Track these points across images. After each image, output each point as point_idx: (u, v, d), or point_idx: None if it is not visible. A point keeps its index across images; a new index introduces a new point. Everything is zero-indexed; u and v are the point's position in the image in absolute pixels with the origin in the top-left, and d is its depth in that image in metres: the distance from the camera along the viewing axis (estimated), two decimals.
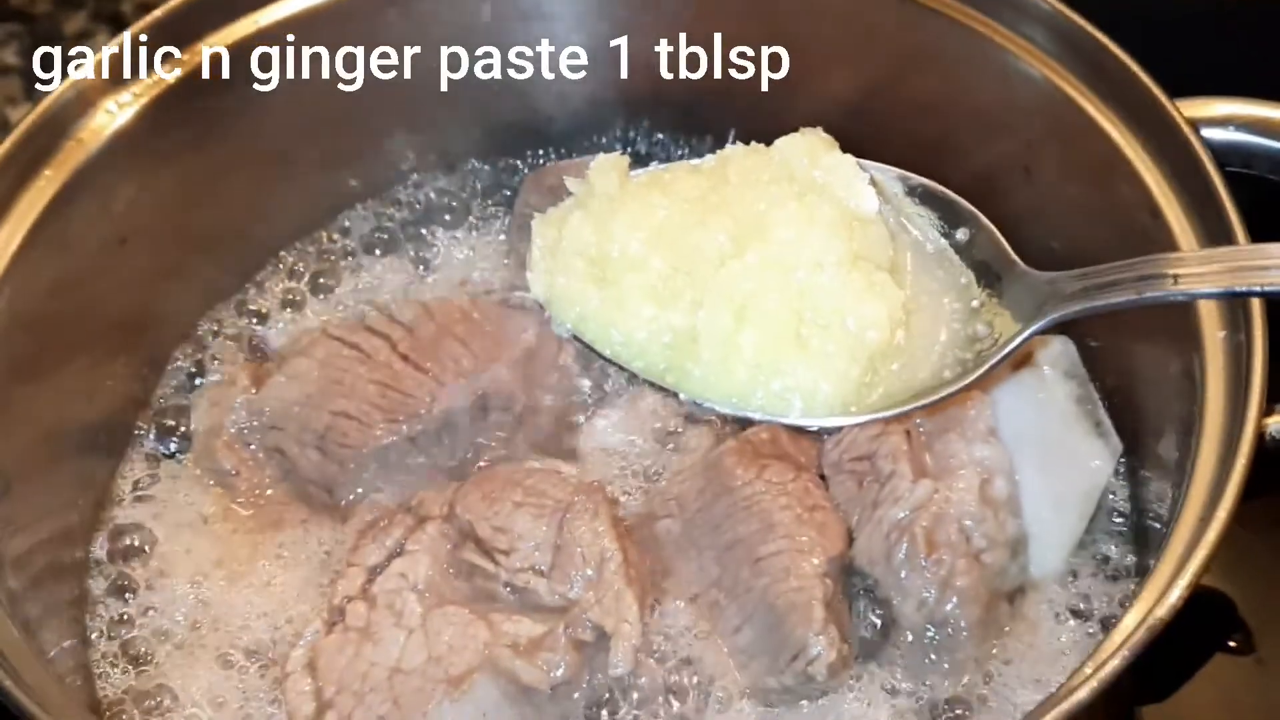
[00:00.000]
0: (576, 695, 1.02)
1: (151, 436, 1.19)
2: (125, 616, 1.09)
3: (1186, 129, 1.05)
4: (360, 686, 1.01)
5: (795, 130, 1.19)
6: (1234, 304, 0.99)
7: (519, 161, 1.35)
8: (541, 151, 1.35)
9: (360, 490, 1.14)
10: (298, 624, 1.08)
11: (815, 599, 1.03)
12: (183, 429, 1.19)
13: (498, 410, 1.16)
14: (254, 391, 1.16)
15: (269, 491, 1.15)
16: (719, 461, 1.11)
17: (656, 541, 1.10)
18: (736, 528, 1.07)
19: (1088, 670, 0.87)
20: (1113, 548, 1.12)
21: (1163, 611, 0.88)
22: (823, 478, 1.12)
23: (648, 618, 1.05)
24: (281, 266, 1.29)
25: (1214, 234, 1.02)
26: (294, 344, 1.21)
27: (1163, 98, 1.07)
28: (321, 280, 1.28)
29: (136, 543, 1.13)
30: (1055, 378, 1.10)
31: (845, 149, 1.24)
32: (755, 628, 1.05)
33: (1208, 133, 1.06)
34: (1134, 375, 1.12)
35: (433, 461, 1.15)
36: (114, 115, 1.12)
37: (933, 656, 1.05)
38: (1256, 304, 0.97)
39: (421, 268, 1.29)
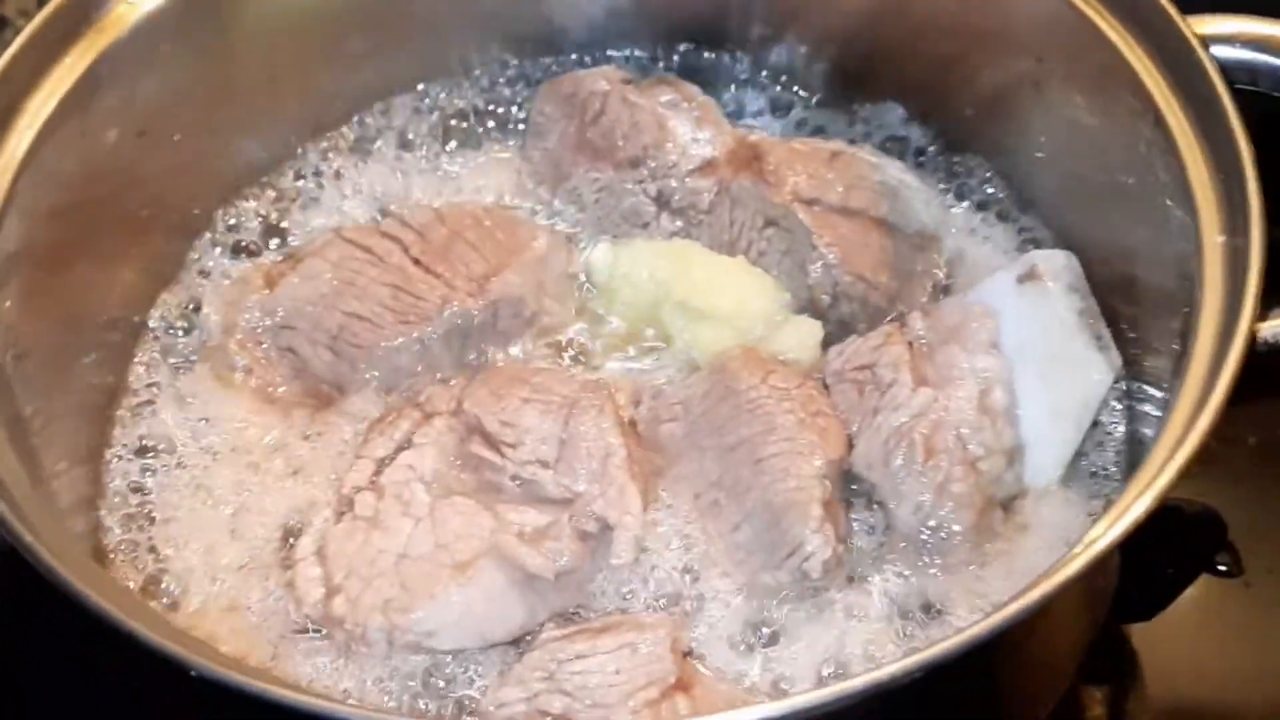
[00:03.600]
0: (577, 584, 1.03)
1: (165, 331, 1.19)
2: (140, 503, 1.09)
3: (1194, 43, 1.04)
4: (368, 572, 1.02)
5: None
6: (1233, 207, 0.99)
7: (536, 70, 1.33)
8: (559, 60, 1.33)
9: (371, 391, 1.15)
10: (306, 513, 1.08)
11: (814, 498, 1.04)
12: (196, 324, 1.19)
13: (507, 316, 1.17)
14: (267, 291, 1.16)
15: (281, 389, 1.15)
16: (725, 366, 1.12)
17: (659, 443, 1.11)
18: (739, 429, 1.08)
19: (1044, 583, 0.85)
20: (1108, 464, 1.11)
21: (1127, 522, 0.86)
22: (826, 387, 1.13)
23: (649, 513, 1.06)
24: (296, 165, 1.29)
25: (1218, 145, 1.01)
26: (307, 245, 1.21)
27: (1171, 11, 1.06)
28: (335, 180, 1.28)
29: (150, 432, 1.13)
30: (1058, 291, 1.10)
31: (854, 72, 1.28)
32: (753, 525, 1.06)
33: (1215, 50, 1.05)
34: (1135, 288, 1.11)
35: (442, 364, 1.15)
36: (135, 6, 1.11)
37: (925, 559, 1.06)
38: (1255, 208, 0.97)
39: (435, 173, 1.29)
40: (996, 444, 1.07)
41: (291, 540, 1.07)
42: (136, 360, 1.18)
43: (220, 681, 0.82)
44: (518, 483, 1.06)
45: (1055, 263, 1.12)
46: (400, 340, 1.14)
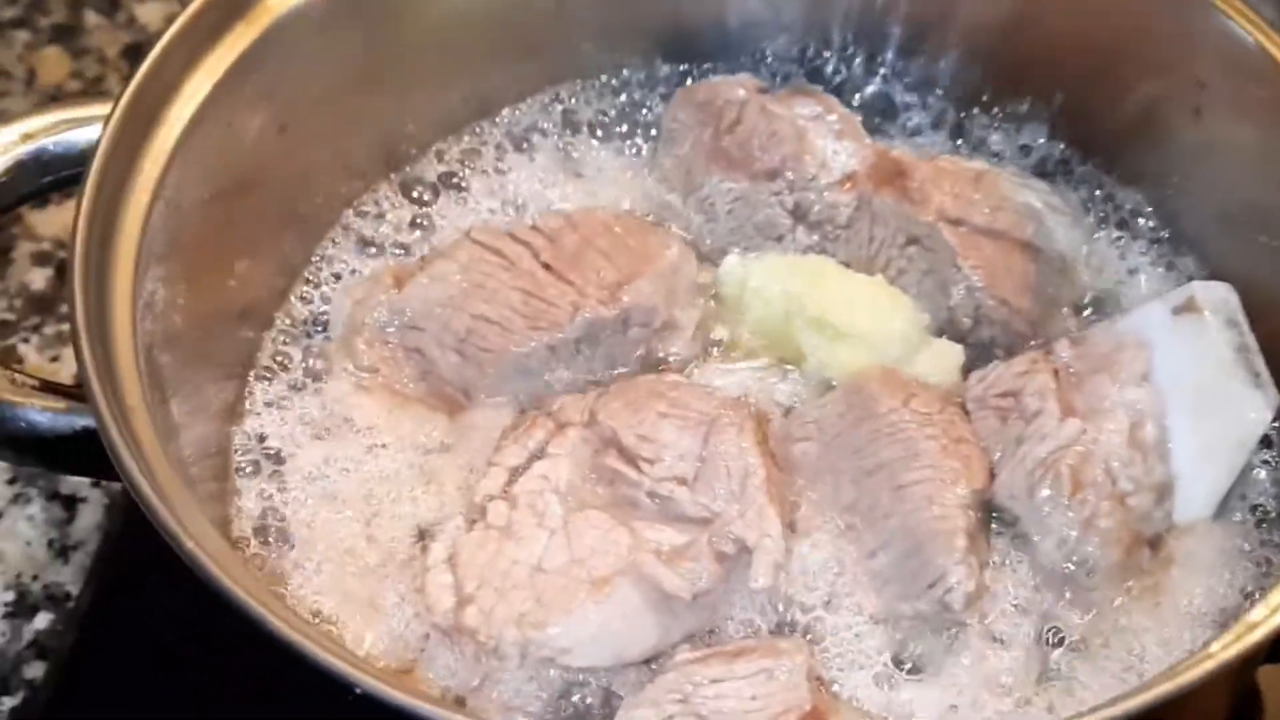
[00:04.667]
0: (712, 605, 1.01)
1: (294, 326, 1.17)
2: (265, 491, 1.08)
3: None
4: (502, 583, 1.00)
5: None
6: None
7: (673, 76, 1.31)
8: (696, 67, 1.31)
9: (498, 397, 1.13)
10: (437, 517, 1.06)
11: (958, 528, 1.01)
12: (324, 321, 1.18)
13: (638, 325, 1.14)
14: (396, 290, 1.15)
15: (409, 387, 1.13)
16: (863, 387, 1.09)
17: (792, 463, 1.08)
18: (879, 453, 1.05)
19: (1214, 648, 0.84)
20: (1262, 498, 1.09)
21: None
22: (965, 412, 1.09)
23: (787, 536, 1.03)
24: (429, 165, 1.27)
25: None
26: (437, 246, 1.20)
27: None
28: (467, 181, 1.26)
29: (276, 431, 1.11)
30: (1216, 325, 1.07)
31: (996, 86, 1.24)
32: (892, 553, 1.03)
33: None
34: None
35: (570, 372, 1.13)
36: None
37: (1068, 593, 1.03)
38: None
39: (565, 176, 1.27)
40: (1146, 479, 1.04)
41: (425, 544, 1.05)
42: (266, 354, 1.16)
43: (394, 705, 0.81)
44: (654, 499, 1.04)
45: (1214, 295, 1.08)
46: (530, 346, 1.12)
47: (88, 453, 0.93)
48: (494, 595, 0.99)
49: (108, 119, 1.01)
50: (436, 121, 1.27)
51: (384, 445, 1.11)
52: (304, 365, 1.16)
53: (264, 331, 1.17)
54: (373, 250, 1.23)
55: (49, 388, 0.98)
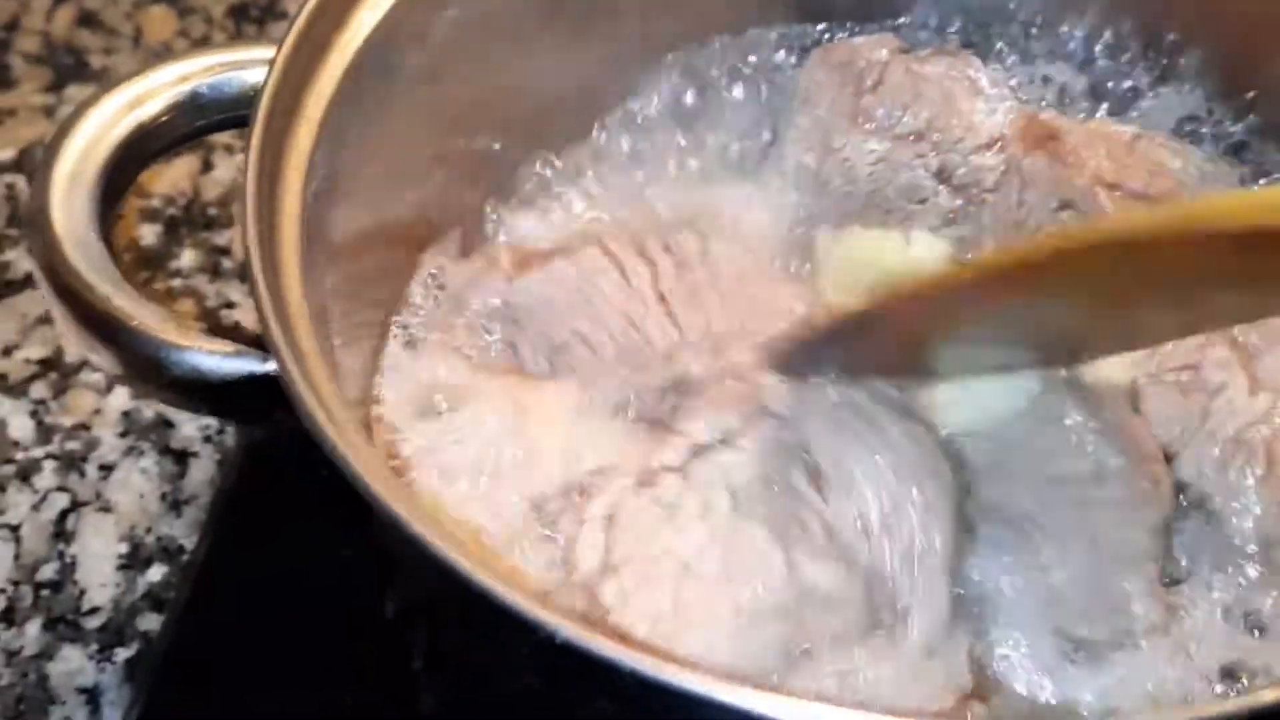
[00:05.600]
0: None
1: (422, 295, 1.13)
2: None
3: None
4: (650, 570, 0.94)
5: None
6: None
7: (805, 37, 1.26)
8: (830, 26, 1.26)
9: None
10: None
11: (1150, 556, 0.97)
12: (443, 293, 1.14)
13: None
14: (511, 279, 1.10)
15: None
16: (1047, 397, 1.02)
17: (962, 459, 1.01)
18: (1064, 464, 0.99)
19: None
20: None
21: None
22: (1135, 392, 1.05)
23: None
24: (589, 138, 1.22)
25: None
26: (568, 237, 1.15)
27: None
28: (613, 158, 1.21)
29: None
30: None
31: (1147, 45, 1.19)
32: (1072, 570, 0.97)
33: None
34: None
35: (651, 413, 1.05)
36: None
37: (1260, 574, 0.98)
38: None
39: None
40: None
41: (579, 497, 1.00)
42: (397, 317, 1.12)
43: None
44: (828, 536, 0.95)
45: None
46: (612, 381, 1.05)
47: (253, 398, 0.91)
48: (637, 577, 0.93)
49: (273, 61, 0.98)
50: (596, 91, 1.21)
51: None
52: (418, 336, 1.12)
53: (397, 297, 1.13)
54: (511, 225, 1.18)
55: (214, 332, 0.96)
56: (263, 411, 0.91)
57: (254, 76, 1.00)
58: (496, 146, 1.18)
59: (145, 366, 0.94)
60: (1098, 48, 1.25)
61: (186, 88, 1.02)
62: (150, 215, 1.42)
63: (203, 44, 1.56)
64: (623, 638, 0.87)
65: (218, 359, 0.92)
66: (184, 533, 1.22)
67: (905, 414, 1.00)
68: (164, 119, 1.01)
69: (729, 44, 1.26)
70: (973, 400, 1.02)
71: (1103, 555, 0.97)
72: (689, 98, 1.24)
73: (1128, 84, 1.25)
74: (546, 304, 1.08)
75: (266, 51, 1.00)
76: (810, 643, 0.93)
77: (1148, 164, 1.14)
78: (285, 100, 0.99)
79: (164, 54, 1.54)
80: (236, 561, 1.18)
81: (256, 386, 0.90)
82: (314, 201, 0.98)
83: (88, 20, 1.58)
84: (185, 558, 1.20)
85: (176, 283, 1.38)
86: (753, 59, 1.27)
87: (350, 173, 1.02)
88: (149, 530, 1.22)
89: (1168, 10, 1.20)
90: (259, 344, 0.90)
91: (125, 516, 1.23)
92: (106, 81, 1.06)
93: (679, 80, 1.24)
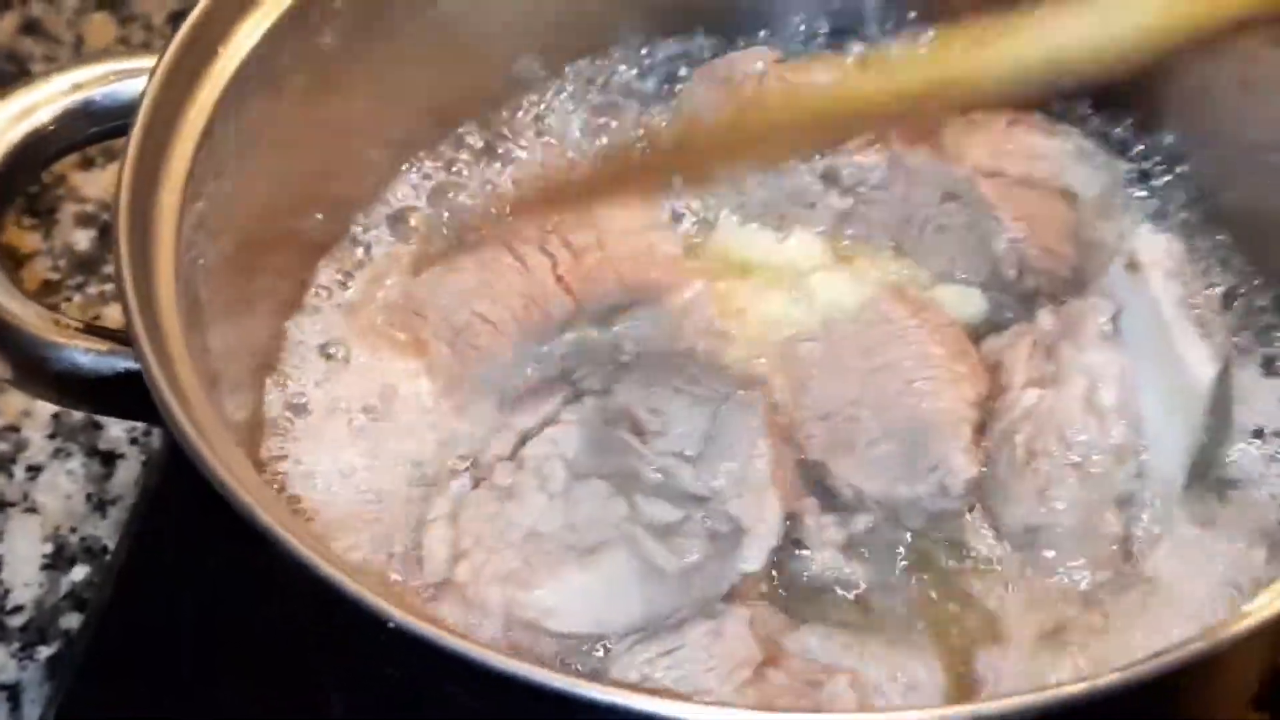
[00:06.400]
0: (701, 583, 0.98)
1: (320, 296, 1.15)
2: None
3: None
4: (496, 543, 0.98)
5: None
6: None
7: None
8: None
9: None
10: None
11: (965, 419, 1.01)
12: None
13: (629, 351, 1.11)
14: (412, 276, 1.13)
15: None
16: (876, 302, 1.08)
17: (798, 360, 1.07)
18: (889, 353, 1.05)
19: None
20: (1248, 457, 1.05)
21: None
22: None
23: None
24: (457, 142, 1.23)
25: None
26: (471, 236, 1.17)
27: None
28: (499, 148, 1.22)
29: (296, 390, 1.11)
30: (1158, 279, 1.02)
31: None
32: (895, 441, 1.02)
33: None
34: None
35: (559, 384, 1.09)
36: None
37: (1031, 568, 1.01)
38: None
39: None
40: (1103, 443, 1.00)
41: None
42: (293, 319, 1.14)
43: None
44: (657, 473, 1.01)
45: (1155, 248, 1.03)
46: (517, 351, 1.09)
47: (129, 395, 0.93)
48: (485, 553, 0.98)
49: (153, 70, 1.00)
50: (466, 96, 1.22)
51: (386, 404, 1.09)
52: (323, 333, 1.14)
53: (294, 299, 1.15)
54: (404, 226, 1.19)
55: (92, 330, 0.98)
56: (140, 407, 0.91)
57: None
58: (374, 156, 1.20)
59: (27, 364, 0.97)
60: None
61: (80, 96, 1.03)
62: (85, 220, 1.45)
63: (143, 51, 1.59)
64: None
65: (94, 356, 0.96)
66: (109, 533, 1.24)
67: (707, 365, 1.07)
68: (56, 126, 1.02)
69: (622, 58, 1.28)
70: (808, 306, 1.12)
71: (924, 420, 1.01)
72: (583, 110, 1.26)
73: None
74: (449, 293, 1.11)
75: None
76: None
77: (1026, 147, 1.14)
78: (166, 110, 1.00)
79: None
80: (158, 562, 1.19)
81: (131, 382, 0.91)
82: (194, 206, 0.99)
83: (31, 28, 1.60)
84: (108, 558, 1.22)
85: (109, 287, 1.40)
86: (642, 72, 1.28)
87: (230, 185, 1.03)
88: (74, 530, 1.24)
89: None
90: None
91: (51, 517, 1.25)
92: None
93: (574, 88, 1.26)
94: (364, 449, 1.07)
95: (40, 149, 1.03)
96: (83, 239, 1.44)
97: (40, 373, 0.97)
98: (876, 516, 1.02)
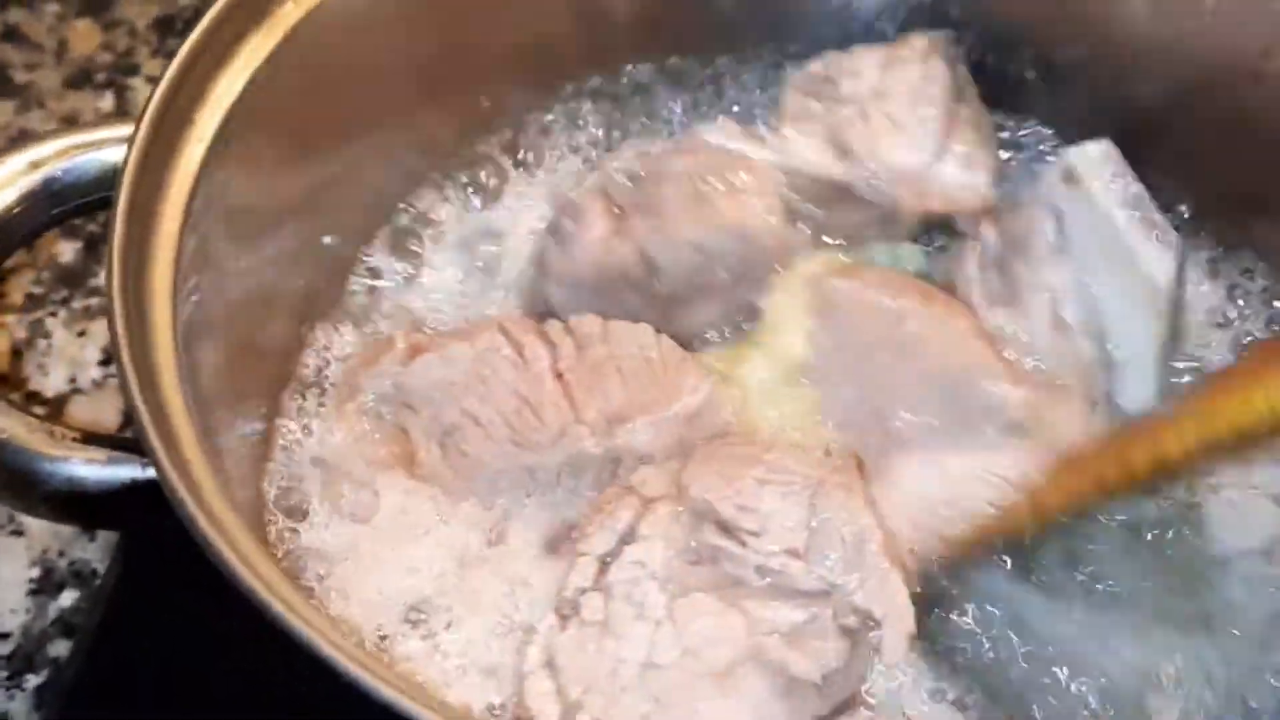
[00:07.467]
0: (843, 683, 0.86)
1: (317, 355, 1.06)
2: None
3: None
4: (610, 686, 0.83)
5: None
6: None
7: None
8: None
9: (472, 500, 0.96)
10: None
11: (990, 356, 0.94)
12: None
13: (632, 462, 0.96)
14: (404, 364, 0.99)
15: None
16: (827, 295, 1.03)
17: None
18: (865, 330, 0.99)
19: None
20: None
21: None
22: None
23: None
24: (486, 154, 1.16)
25: None
26: (469, 323, 1.05)
27: None
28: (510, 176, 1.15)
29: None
30: (1100, 187, 0.97)
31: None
32: (932, 404, 0.93)
33: None
34: None
35: (553, 493, 0.97)
36: None
37: None
38: None
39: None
40: (1076, 361, 0.95)
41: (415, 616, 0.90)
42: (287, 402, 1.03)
43: None
44: (763, 575, 0.87)
45: (1092, 156, 0.96)
46: (506, 463, 0.94)
47: (134, 505, 0.82)
48: (604, 699, 0.82)
49: (131, 139, 0.85)
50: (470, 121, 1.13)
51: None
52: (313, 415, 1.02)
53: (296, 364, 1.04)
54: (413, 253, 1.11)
55: (90, 439, 0.84)
56: (146, 517, 0.80)
57: (113, 155, 0.86)
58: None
59: (17, 482, 0.82)
60: None
61: (38, 175, 0.88)
62: (70, 232, 1.26)
63: (127, 57, 1.42)
64: None
65: (95, 467, 0.83)
66: (98, 556, 1.08)
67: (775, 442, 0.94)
68: (18, 210, 0.88)
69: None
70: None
71: (950, 372, 0.98)
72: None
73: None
74: (440, 386, 0.96)
75: (124, 129, 0.86)
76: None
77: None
78: (148, 178, 0.86)
79: (89, 68, 1.46)
80: (148, 587, 1.05)
81: (138, 492, 0.80)
82: (185, 285, 0.86)
83: (10, 34, 1.41)
84: (97, 583, 1.07)
85: (94, 301, 1.26)
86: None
87: (221, 250, 0.91)
88: (62, 554, 1.09)
89: None
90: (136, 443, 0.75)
91: (38, 540, 1.10)
92: None
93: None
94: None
95: (2, 239, 0.88)
96: (67, 250, 1.26)
97: (33, 490, 0.84)
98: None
